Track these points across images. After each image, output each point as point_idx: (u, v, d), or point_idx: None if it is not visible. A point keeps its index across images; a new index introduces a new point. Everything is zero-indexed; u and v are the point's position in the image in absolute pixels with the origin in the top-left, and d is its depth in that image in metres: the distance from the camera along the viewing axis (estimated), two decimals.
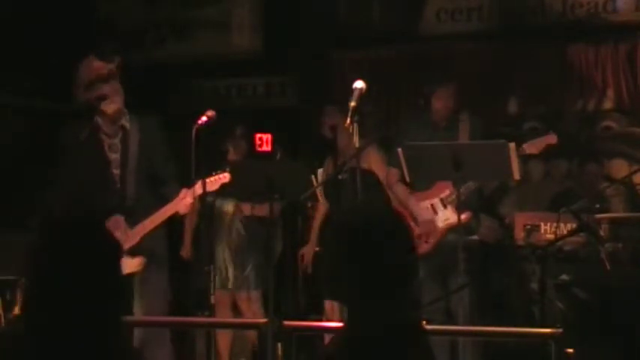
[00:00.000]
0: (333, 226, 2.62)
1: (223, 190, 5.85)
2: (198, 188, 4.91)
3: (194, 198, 4.92)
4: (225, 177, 4.92)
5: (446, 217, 5.58)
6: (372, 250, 2.44)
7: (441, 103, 5.57)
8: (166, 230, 5.17)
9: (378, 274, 2.43)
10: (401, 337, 2.41)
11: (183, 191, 4.92)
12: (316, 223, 6.40)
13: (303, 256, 6.55)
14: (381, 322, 2.42)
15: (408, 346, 2.41)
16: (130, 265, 4.89)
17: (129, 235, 4.90)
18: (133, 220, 4.94)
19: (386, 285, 2.44)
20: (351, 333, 2.46)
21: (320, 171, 6.26)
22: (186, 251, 6.47)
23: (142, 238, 4.91)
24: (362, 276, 2.44)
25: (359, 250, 2.45)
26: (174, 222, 5.95)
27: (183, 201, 4.91)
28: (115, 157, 5.05)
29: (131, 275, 4.90)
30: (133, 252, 4.91)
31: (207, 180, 4.91)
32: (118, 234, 4.89)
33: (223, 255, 6.39)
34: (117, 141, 5.06)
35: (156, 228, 4.91)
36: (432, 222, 5.53)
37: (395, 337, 2.40)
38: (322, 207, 6.31)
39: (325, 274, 2.58)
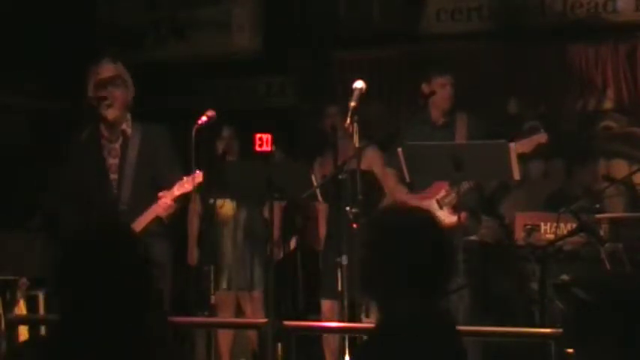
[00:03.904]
0: (369, 226, 2.65)
1: (224, 191, 5.88)
2: (176, 190, 4.90)
3: (172, 200, 4.91)
4: (198, 176, 4.90)
5: (442, 218, 5.57)
6: (410, 249, 2.46)
7: (442, 93, 5.57)
8: (169, 237, 5.16)
9: (415, 274, 2.46)
10: (433, 336, 2.44)
11: (162, 193, 4.91)
12: (322, 223, 6.39)
13: (295, 249, 6.56)
14: (415, 320, 2.44)
15: (440, 345, 2.44)
16: None
17: None
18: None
19: (423, 284, 2.47)
20: (384, 331, 2.47)
21: (316, 166, 6.25)
22: (191, 258, 6.47)
23: None
24: (397, 275, 2.46)
25: (395, 250, 2.47)
26: (178, 229, 5.96)
27: (162, 202, 4.90)
28: (113, 162, 5.04)
29: None
30: None
31: (181, 182, 4.90)
32: None
33: (227, 255, 6.39)
34: (117, 146, 5.05)
35: (142, 232, 4.88)
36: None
37: (428, 335, 2.42)
38: (322, 207, 6.30)
39: (361, 274, 2.61)
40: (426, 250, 2.48)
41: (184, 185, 4.91)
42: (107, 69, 4.98)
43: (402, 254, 2.47)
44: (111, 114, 4.97)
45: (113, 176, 5.03)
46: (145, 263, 2.36)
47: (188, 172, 4.95)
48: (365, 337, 2.64)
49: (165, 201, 4.89)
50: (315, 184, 5.68)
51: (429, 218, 2.59)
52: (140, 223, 4.90)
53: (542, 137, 5.37)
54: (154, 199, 4.94)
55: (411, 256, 2.47)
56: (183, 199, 5.09)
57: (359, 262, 2.63)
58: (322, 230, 6.36)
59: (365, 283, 2.62)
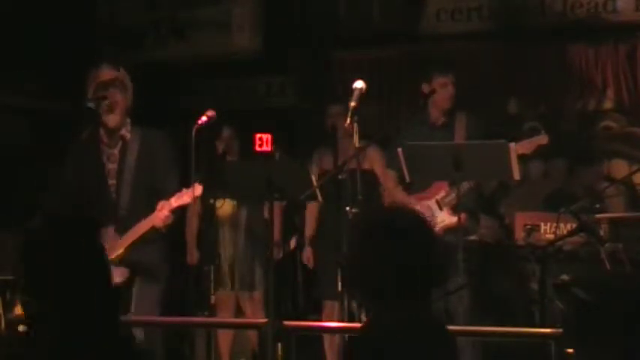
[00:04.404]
0: (361, 226, 2.63)
1: (224, 191, 5.88)
2: (174, 201, 4.89)
3: (170, 211, 4.89)
4: (197, 189, 4.88)
5: (442, 218, 5.58)
6: (401, 250, 2.45)
7: (443, 92, 5.57)
8: (167, 240, 5.15)
9: (406, 275, 2.45)
10: (425, 337, 2.43)
11: (160, 204, 4.89)
12: (310, 221, 6.40)
13: (295, 249, 6.56)
14: (407, 321, 2.43)
15: (431, 346, 2.42)
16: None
17: (115, 245, 4.90)
18: (124, 230, 4.92)
19: (414, 285, 2.45)
20: (375, 331, 2.46)
21: (314, 161, 6.25)
22: (191, 257, 6.47)
23: (127, 250, 4.89)
24: (389, 276, 2.45)
25: (387, 251, 2.46)
26: (177, 230, 5.95)
27: (160, 214, 4.88)
28: (112, 167, 5.03)
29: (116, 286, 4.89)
30: (119, 263, 4.90)
31: (180, 193, 4.89)
32: (107, 243, 4.90)
33: (226, 255, 6.38)
34: (116, 151, 5.04)
35: (137, 240, 4.88)
36: (433, 217, 5.55)
37: (419, 336, 2.42)
38: (312, 205, 6.29)
39: (351, 274, 2.59)
40: (414, 252, 2.45)
41: (183, 197, 4.89)
42: (107, 72, 4.97)
43: (388, 255, 2.45)
44: (111, 120, 4.95)
45: (112, 181, 5.01)
46: (103, 262, 2.34)
47: (188, 173, 4.94)
48: (353, 336, 2.60)
49: (164, 212, 4.87)
50: (314, 182, 5.67)
51: (420, 219, 2.57)
52: (136, 233, 4.88)
53: (542, 139, 5.37)
54: (153, 204, 4.92)
55: (398, 257, 2.44)
56: (180, 209, 5.07)
57: (347, 261, 2.61)
58: (310, 229, 6.37)
59: (353, 284, 2.61)
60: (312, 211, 6.35)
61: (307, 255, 6.39)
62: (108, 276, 2.36)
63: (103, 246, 2.41)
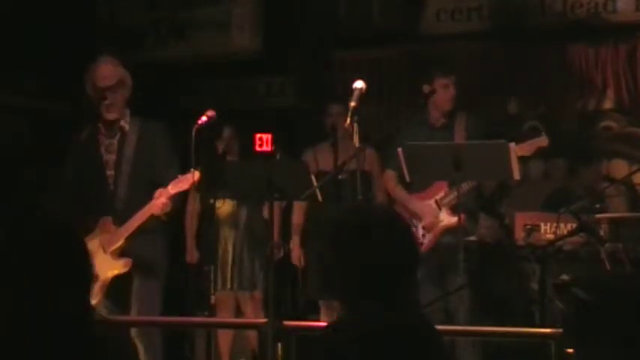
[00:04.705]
0: (330, 225, 2.61)
1: (224, 191, 5.88)
2: (171, 189, 4.90)
3: (168, 198, 4.90)
4: (194, 175, 4.90)
5: (441, 218, 5.58)
6: (370, 248, 2.43)
7: (444, 94, 5.57)
8: (167, 237, 5.15)
9: (375, 273, 2.43)
10: (400, 338, 2.40)
11: (158, 192, 4.90)
12: (296, 220, 6.39)
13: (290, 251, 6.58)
14: (378, 321, 2.41)
15: (408, 347, 2.40)
16: (116, 266, 4.89)
17: (115, 236, 4.90)
18: (122, 221, 4.93)
19: (383, 284, 2.44)
20: (347, 333, 2.44)
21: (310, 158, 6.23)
22: (190, 256, 6.47)
23: (127, 241, 4.90)
24: (359, 275, 2.43)
25: (356, 249, 2.44)
26: (176, 229, 5.95)
27: (157, 201, 4.89)
28: (110, 157, 5.04)
29: (118, 276, 4.89)
30: (121, 253, 4.91)
31: (177, 180, 4.90)
32: (106, 235, 4.91)
33: (226, 255, 6.38)
34: (114, 141, 5.05)
35: (137, 230, 4.89)
36: (436, 216, 5.56)
37: (393, 337, 2.40)
38: (299, 205, 6.29)
39: (321, 273, 2.58)
40: (382, 251, 2.42)
41: (179, 184, 4.90)
42: (106, 74, 4.95)
43: (355, 254, 2.43)
44: (110, 116, 4.97)
45: (110, 172, 5.02)
46: (84, 263, 2.33)
47: (187, 171, 4.95)
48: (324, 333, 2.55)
49: (161, 200, 4.88)
50: (314, 182, 5.67)
51: (389, 217, 2.54)
52: (135, 222, 4.90)
53: (543, 141, 5.36)
54: (152, 196, 4.93)
55: (365, 256, 2.42)
56: (180, 197, 5.08)
57: (317, 260, 2.59)
58: (296, 227, 6.36)
59: (324, 283, 2.60)
60: (299, 210, 6.35)
61: (297, 255, 6.38)
62: (88, 273, 2.35)
63: (83, 240, 2.41)
